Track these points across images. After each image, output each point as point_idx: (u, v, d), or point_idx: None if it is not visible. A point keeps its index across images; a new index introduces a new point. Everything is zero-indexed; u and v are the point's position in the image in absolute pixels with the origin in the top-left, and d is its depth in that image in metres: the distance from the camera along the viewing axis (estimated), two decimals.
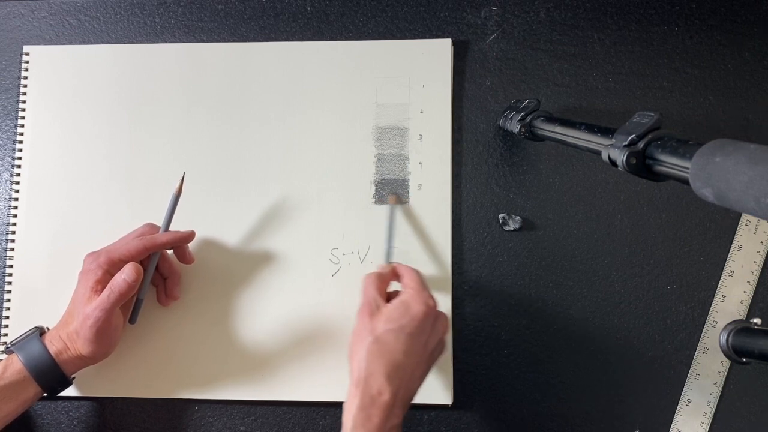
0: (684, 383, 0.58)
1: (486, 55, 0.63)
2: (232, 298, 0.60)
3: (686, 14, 0.62)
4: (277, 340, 0.59)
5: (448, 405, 0.58)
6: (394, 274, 0.53)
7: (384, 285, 0.52)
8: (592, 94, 0.62)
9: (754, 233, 0.59)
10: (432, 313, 0.49)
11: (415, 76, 0.62)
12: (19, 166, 0.62)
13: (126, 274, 0.52)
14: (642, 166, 0.37)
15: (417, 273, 0.52)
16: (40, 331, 0.54)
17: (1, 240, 0.62)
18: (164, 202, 0.57)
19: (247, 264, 0.60)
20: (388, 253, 0.58)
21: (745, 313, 0.59)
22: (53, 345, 0.52)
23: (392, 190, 0.60)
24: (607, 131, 0.41)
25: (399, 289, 0.52)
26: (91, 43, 0.64)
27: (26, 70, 0.63)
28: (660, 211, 0.60)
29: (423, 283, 0.51)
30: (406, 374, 0.46)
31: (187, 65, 0.63)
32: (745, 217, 0.59)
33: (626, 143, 0.37)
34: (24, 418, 0.60)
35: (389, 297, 0.51)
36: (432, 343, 0.49)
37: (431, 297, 0.50)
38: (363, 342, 0.47)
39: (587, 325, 0.59)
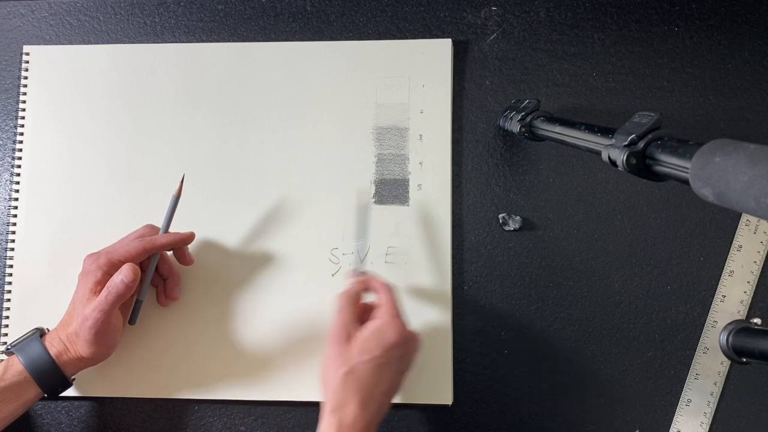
0: (684, 383, 0.58)
1: (486, 55, 0.63)
2: (232, 298, 0.60)
3: (686, 14, 0.62)
4: (277, 340, 0.59)
5: (448, 405, 0.58)
6: (366, 287, 0.54)
7: (357, 306, 0.52)
8: (592, 94, 0.62)
9: (754, 233, 0.59)
10: (404, 339, 0.49)
11: (415, 76, 0.62)
12: (19, 166, 0.62)
13: (123, 274, 0.52)
14: (642, 166, 0.37)
15: (391, 294, 0.52)
16: (41, 333, 0.54)
17: (1, 240, 0.62)
18: (164, 203, 0.57)
19: (246, 264, 0.60)
20: (359, 251, 0.58)
21: (745, 313, 0.59)
22: (53, 346, 0.52)
23: (358, 191, 0.60)
24: (607, 131, 0.41)
25: (372, 299, 0.52)
26: (91, 43, 0.64)
27: (26, 70, 0.63)
28: (660, 211, 0.60)
29: (396, 307, 0.51)
30: (380, 400, 0.48)
31: (187, 65, 0.63)
32: (745, 217, 0.59)
33: (626, 143, 0.37)
34: (24, 418, 0.60)
35: (363, 311, 0.52)
36: (405, 366, 0.50)
37: (403, 324, 0.50)
38: (337, 371, 0.47)
39: (587, 325, 0.59)
